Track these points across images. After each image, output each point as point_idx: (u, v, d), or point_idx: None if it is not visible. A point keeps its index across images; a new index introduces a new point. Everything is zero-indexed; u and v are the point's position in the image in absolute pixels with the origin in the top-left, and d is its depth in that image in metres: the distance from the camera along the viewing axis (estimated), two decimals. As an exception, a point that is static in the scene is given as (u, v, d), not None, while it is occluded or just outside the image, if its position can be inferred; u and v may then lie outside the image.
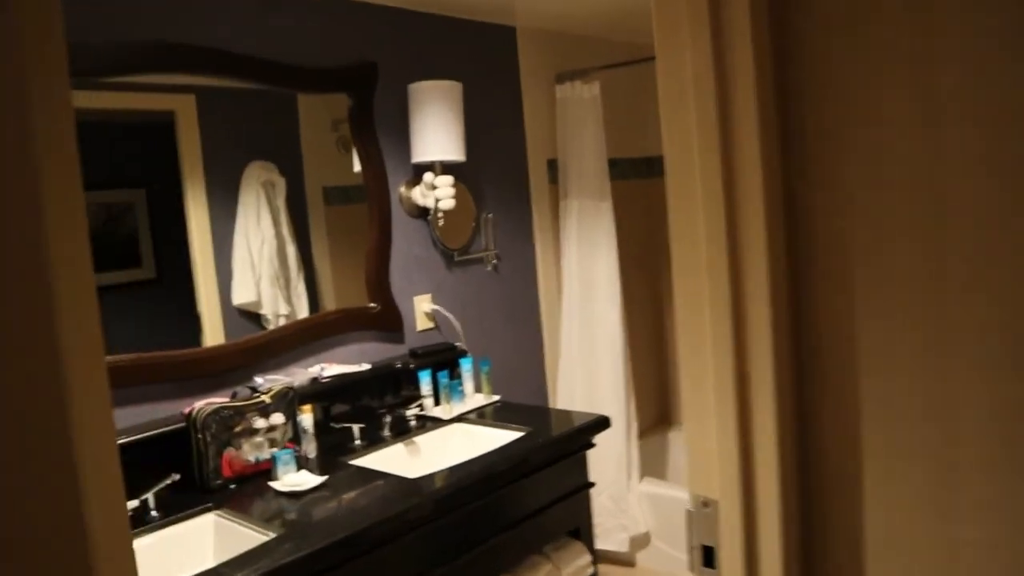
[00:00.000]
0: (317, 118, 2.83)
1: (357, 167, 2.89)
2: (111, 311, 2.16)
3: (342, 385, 2.77)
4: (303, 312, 2.77)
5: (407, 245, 3.06)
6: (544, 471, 2.54)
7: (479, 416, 2.88)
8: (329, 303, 2.86)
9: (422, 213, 3.09)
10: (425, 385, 2.91)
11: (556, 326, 3.69)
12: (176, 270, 2.46)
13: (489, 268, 3.39)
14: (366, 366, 2.84)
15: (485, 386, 3.04)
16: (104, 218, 2.26)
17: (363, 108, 2.86)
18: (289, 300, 2.76)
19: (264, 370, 2.64)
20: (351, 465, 2.45)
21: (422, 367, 2.92)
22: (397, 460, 2.65)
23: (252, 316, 2.66)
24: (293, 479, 2.30)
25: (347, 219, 2.92)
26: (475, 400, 3.02)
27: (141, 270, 2.31)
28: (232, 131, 2.58)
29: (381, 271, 2.95)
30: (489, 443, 2.54)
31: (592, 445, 2.74)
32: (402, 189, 3.04)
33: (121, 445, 2.23)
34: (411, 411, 2.82)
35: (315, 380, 2.69)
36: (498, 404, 3.03)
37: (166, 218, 2.44)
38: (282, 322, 2.71)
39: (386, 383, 2.95)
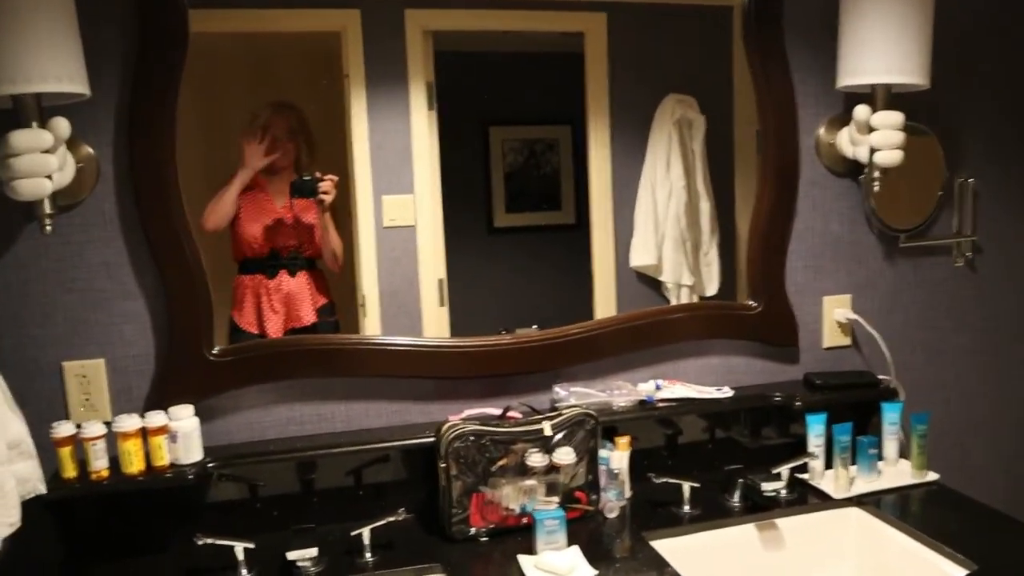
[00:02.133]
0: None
1: (762, 96, 1.93)
2: (528, 255, 1.98)
3: (679, 416, 1.89)
4: (711, 286, 2.05)
5: (819, 218, 2.02)
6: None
7: (896, 506, 1.79)
8: (745, 281, 2.04)
9: (850, 170, 2.01)
10: (815, 436, 1.89)
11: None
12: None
13: (958, 263, 2.18)
14: (726, 392, 1.91)
15: (916, 455, 1.91)
16: (527, 155, 1.93)
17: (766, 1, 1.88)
18: (696, 269, 1.99)
19: (571, 377, 1.86)
20: (655, 552, 1.57)
21: (815, 408, 1.90)
22: (739, 556, 1.71)
23: (651, 283, 2.00)
24: (551, 562, 1.51)
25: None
26: (893, 474, 1.91)
27: (560, 213, 1.94)
28: (647, 56, 1.97)
29: (772, 254, 1.96)
30: (906, 568, 1.48)
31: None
32: (821, 131, 1.99)
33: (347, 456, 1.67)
34: (783, 470, 1.82)
35: (644, 403, 1.84)
36: (933, 488, 1.88)
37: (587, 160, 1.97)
38: (684, 295, 2.02)
39: (752, 423, 1.99)
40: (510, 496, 1.63)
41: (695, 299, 2.01)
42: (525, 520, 1.63)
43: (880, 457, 1.93)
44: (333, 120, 1.74)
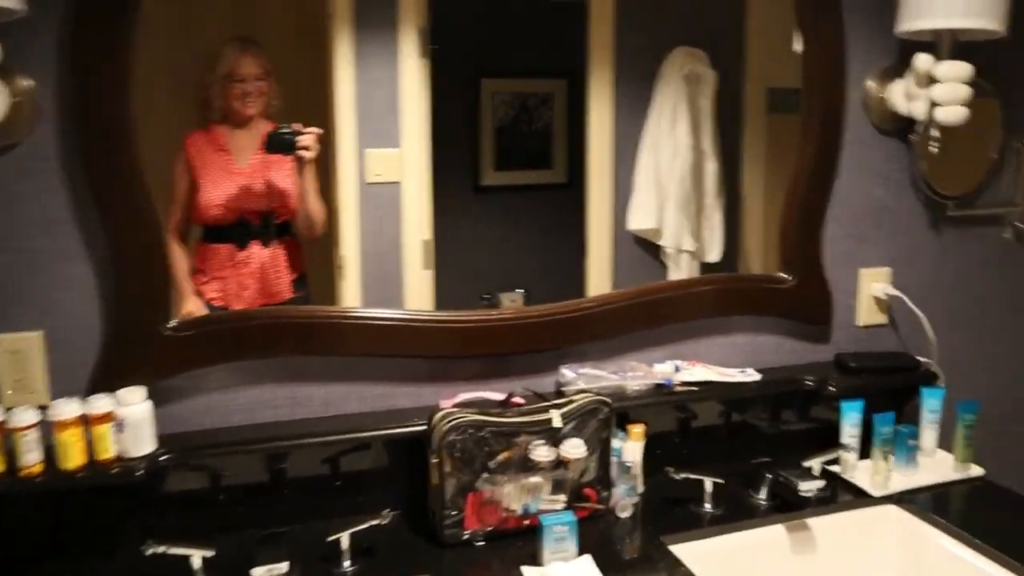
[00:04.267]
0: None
1: (798, 44, 1.69)
2: (516, 215, 1.80)
3: (702, 401, 1.69)
4: (713, 252, 1.85)
5: (863, 180, 1.79)
6: None
7: (937, 504, 1.61)
8: (752, 247, 1.86)
9: (900, 128, 1.78)
10: (850, 425, 1.69)
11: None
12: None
13: (1009, 235, 1.97)
14: (752, 375, 1.71)
15: (960, 447, 1.72)
16: (519, 110, 1.76)
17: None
18: (698, 234, 1.78)
19: (579, 356, 1.65)
20: (673, 557, 1.38)
21: (850, 393, 1.70)
22: (769, 561, 1.53)
23: (648, 247, 1.81)
24: (558, 572, 1.31)
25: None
26: (934, 466, 1.73)
27: (552, 172, 1.77)
28: (655, 5, 1.78)
29: (810, 221, 1.74)
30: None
31: None
32: (870, 83, 1.75)
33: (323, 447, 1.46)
34: (815, 464, 1.63)
35: (660, 387, 1.64)
36: (978, 484, 1.70)
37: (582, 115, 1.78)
38: (684, 261, 1.82)
39: (781, 409, 1.79)
40: (512, 495, 1.43)
41: (695, 264, 1.81)
42: (527, 522, 1.43)
43: (919, 448, 1.74)
44: (312, 66, 1.50)
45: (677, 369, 1.68)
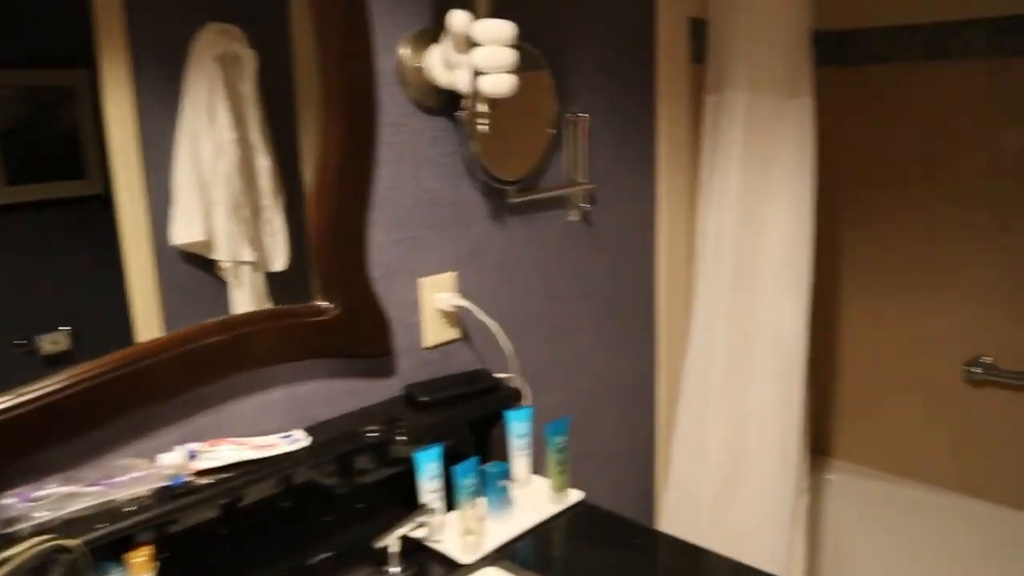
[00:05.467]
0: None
1: None
2: (46, 238, 1.24)
3: (233, 492, 1.22)
4: (278, 259, 1.40)
5: (409, 171, 1.45)
6: None
7: (538, 551, 1.34)
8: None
9: (446, 104, 1.46)
10: (429, 479, 1.35)
11: (682, 326, 2.09)
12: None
13: (573, 217, 1.77)
14: (300, 440, 1.28)
15: (554, 475, 1.48)
16: (31, 109, 1.30)
17: None
18: (257, 241, 1.27)
19: (38, 471, 1.09)
20: None
21: (425, 436, 1.36)
22: None
23: (203, 264, 1.32)
24: None
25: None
26: (533, 502, 1.47)
27: (86, 182, 1.31)
28: None
29: (345, 229, 1.35)
30: None
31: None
32: (404, 50, 1.40)
33: None
34: (391, 542, 1.26)
35: (168, 489, 1.14)
36: (579, 511, 1.47)
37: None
38: (246, 275, 1.36)
39: (347, 475, 1.39)
40: None
41: (260, 277, 1.36)
42: None
43: (510, 483, 1.46)
44: None
45: (193, 456, 1.19)
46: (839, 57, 2.42)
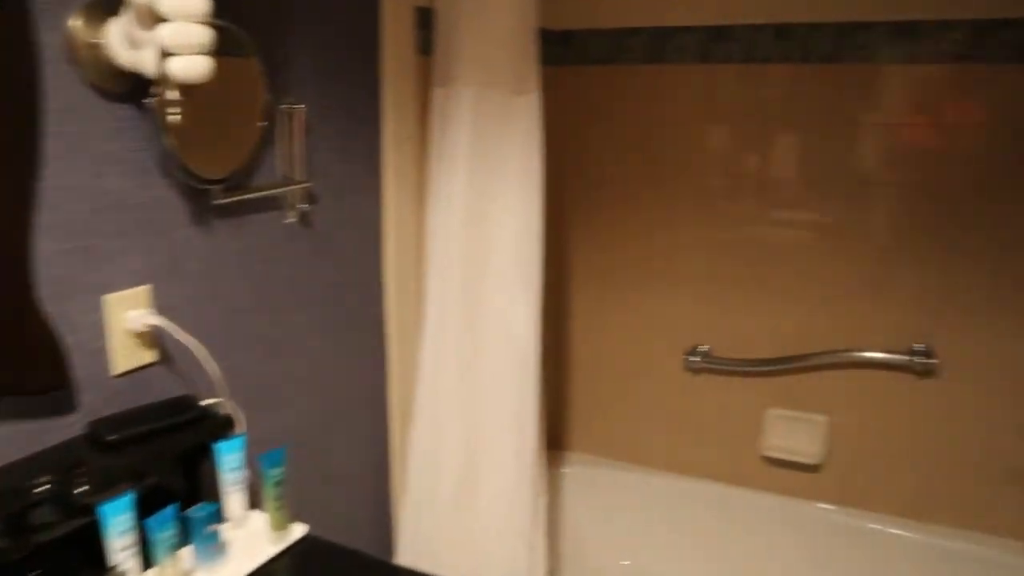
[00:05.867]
0: None
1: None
2: None
3: None
4: None
5: (86, 168, 1.21)
6: None
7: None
8: None
9: (132, 90, 1.24)
10: (118, 534, 1.14)
11: (414, 331, 2.00)
12: None
13: (290, 219, 1.61)
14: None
15: (272, 511, 1.32)
16: None
17: None
18: None
19: None
20: None
21: (115, 480, 1.14)
22: None
23: None
24: None
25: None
26: (250, 543, 1.30)
27: None
28: None
29: (2, 240, 1.10)
30: None
31: None
32: (75, 23, 1.16)
33: None
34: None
35: None
36: (303, 548, 1.33)
37: None
38: None
39: (21, 533, 1.13)
40: None
41: None
42: None
43: (221, 525, 1.29)
44: None
45: None
46: (565, 56, 2.45)
